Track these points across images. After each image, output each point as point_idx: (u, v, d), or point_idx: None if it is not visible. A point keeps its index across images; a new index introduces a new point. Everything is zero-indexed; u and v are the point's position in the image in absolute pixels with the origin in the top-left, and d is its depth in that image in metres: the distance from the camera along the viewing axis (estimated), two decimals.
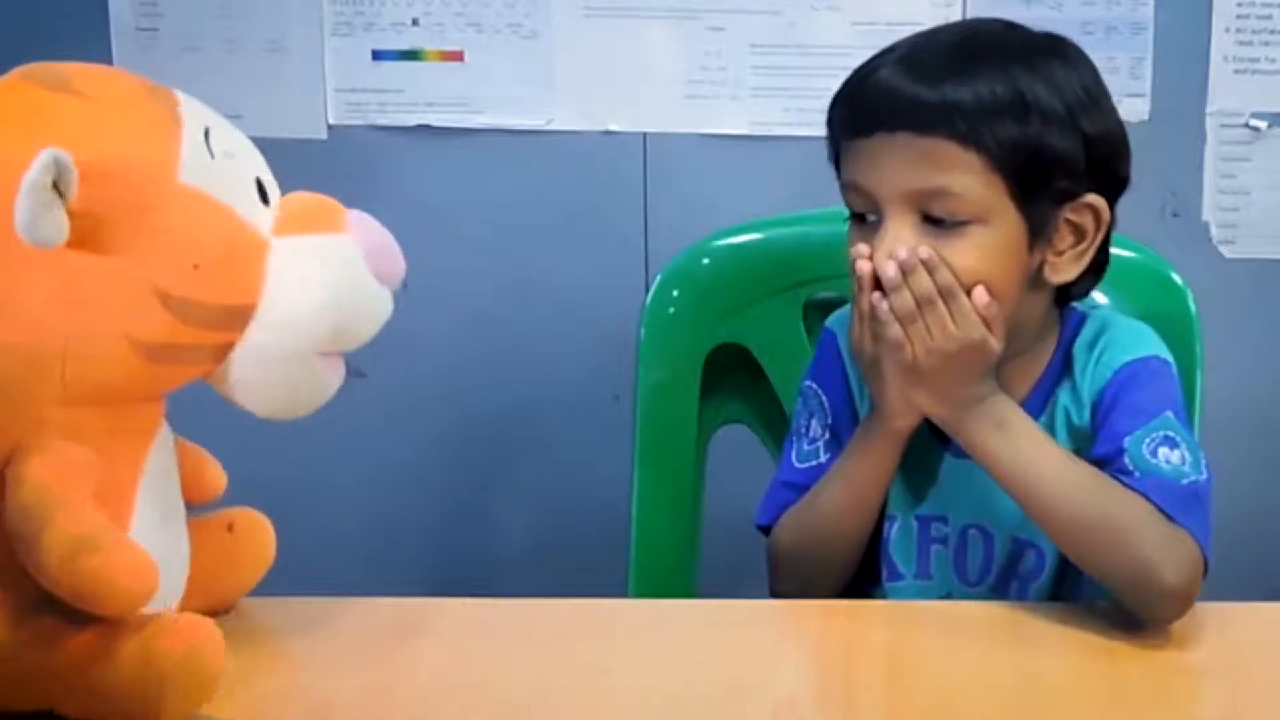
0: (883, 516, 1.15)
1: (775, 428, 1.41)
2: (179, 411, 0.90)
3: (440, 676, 0.89)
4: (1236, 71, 1.86)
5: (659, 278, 1.38)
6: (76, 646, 0.78)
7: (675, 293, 1.37)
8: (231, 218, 0.81)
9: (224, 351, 0.82)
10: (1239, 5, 1.85)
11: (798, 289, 1.41)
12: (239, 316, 0.81)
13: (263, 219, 0.83)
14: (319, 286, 0.82)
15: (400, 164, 1.88)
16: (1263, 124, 1.86)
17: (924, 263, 1.01)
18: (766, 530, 1.18)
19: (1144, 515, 0.99)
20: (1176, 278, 1.32)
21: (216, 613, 0.94)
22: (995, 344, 1.03)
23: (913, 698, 0.90)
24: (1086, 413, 1.08)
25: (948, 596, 1.13)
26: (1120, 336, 1.10)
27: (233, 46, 1.87)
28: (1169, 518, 0.98)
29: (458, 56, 1.87)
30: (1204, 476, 1.02)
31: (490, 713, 0.85)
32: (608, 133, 1.88)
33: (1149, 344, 1.10)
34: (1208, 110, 1.86)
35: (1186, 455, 1.02)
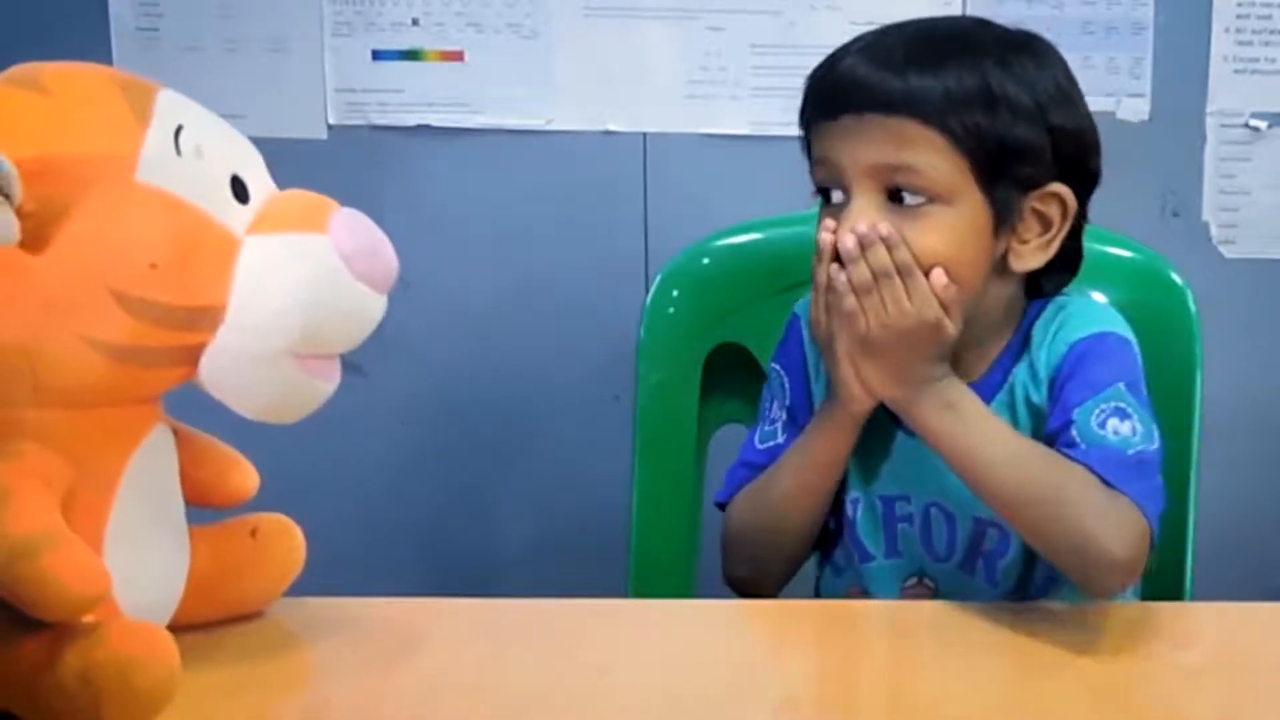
0: (840, 500, 1.16)
1: None
2: (179, 411, 0.90)
3: (440, 676, 0.89)
4: (1236, 71, 1.86)
5: (659, 278, 1.38)
6: (27, 651, 0.75)
7: (675, 293, 1.37)
8: (195, 216, 0.78)
9: (197, 353, 0.80)
10: (1239, 5, 1.85)
11: (798, 289, 1.40)
12: (207, 317, 0.79)
13: (237, 217, 0.80)
14: (287, 286, 0.79)
15: (400, 164, 1.88)
16: (1263, 124, 1.86)
17: (884, 239, 1.03)
18: (724, 508, 1.20)
19: (1085, 486, 0.99)
20: (1176, 278, 1.32)
21: (240, 619, 0.94)
22: (951, 327, 1.04)
23: (913, 698, 0.90)
24: (1044, 389, 1.09)
25: (920, 573, 1.14)
26: (1076, 314, 1.10)
27: (233, 46, 1.87)
28: (1112, 486, 0.99)
29: (458, 56, 1.87)
30: (1154, 445, 1.03)
31: (490, 713, 0.85)
32: (608, 133, 1.88)
33: (1105, 321, 1.10)
34: (1208, 110, 1.86)
35: (1138, 426, 1.02)
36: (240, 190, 0.81)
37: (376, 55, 1.87)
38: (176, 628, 0.88)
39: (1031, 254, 1.08)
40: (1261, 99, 1.86)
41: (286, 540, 0.96)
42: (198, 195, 0.79)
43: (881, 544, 1.15)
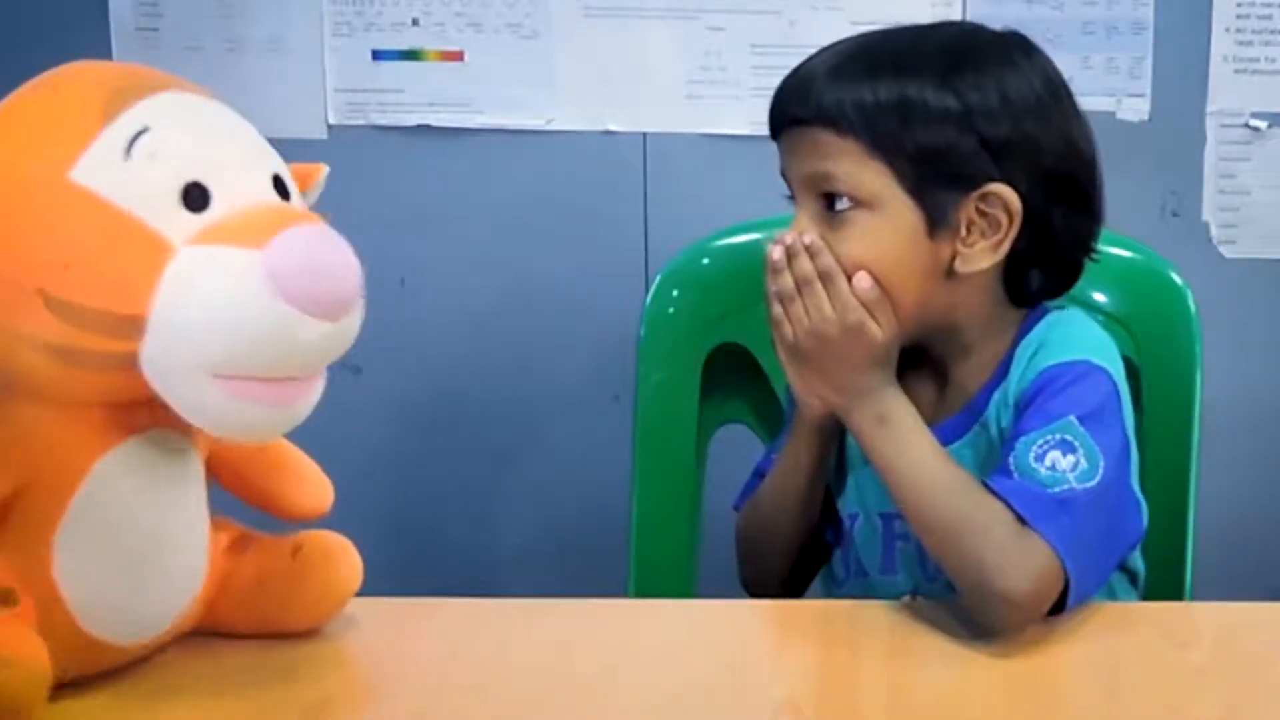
0: (836, 514, 1.19)
1: (775, 428, 1.41)
2: None
3: (440, 676, 0.89)
4: (1236, 71, 1.86)
5: (659, 278, 1.38)
6: None
7: (675, 293, 1.37)
8: (124, 221, 0.76)
9: (130, 362, 0.77)
10: (1239, 5, 1.85)
11: None
12: (130, 325, 0.76)
13: (179, 226, 0.77)
14: (202, 301, 0.75)
15: (400, 164, 1.88)
16: (1263, 124, 1.86)
17: (807, 248, 1.05)
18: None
19: (993, 520, 0.97)
20: (1176, 278, 1.32)
21: (271, 633, 0.93)
22: (876, 330, 1.05)
23: (913, 698, 0.90)
24: (1010, 414, 1.08)
25: (914, 591, 1.13)
26: (1059, 339, 1.09)
27: (233, 46, 1.87)
28: (1026, 524, 0.97)
29: (458, 56, 1.87)
30: (1091, 484, 0.99)
31: (490, 713, 0.85)
32: (608, 133, 1.88)
33: (1083, 349, 1.07)
34: (1208, 110, 1.86)
35: (1082, 462, 0.99)
36: (197, 197, 0.78)
37: (376, 55, 1.87)
38: (214, 632, 0.92)
39: (978, 256, 1.07)
40: (1261, 99, 1.86)
41: (333, 563, 0.94)
42: (133, 200, 0.76)
43: (879, 560, 1.16)
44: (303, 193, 0.88)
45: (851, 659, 0.97)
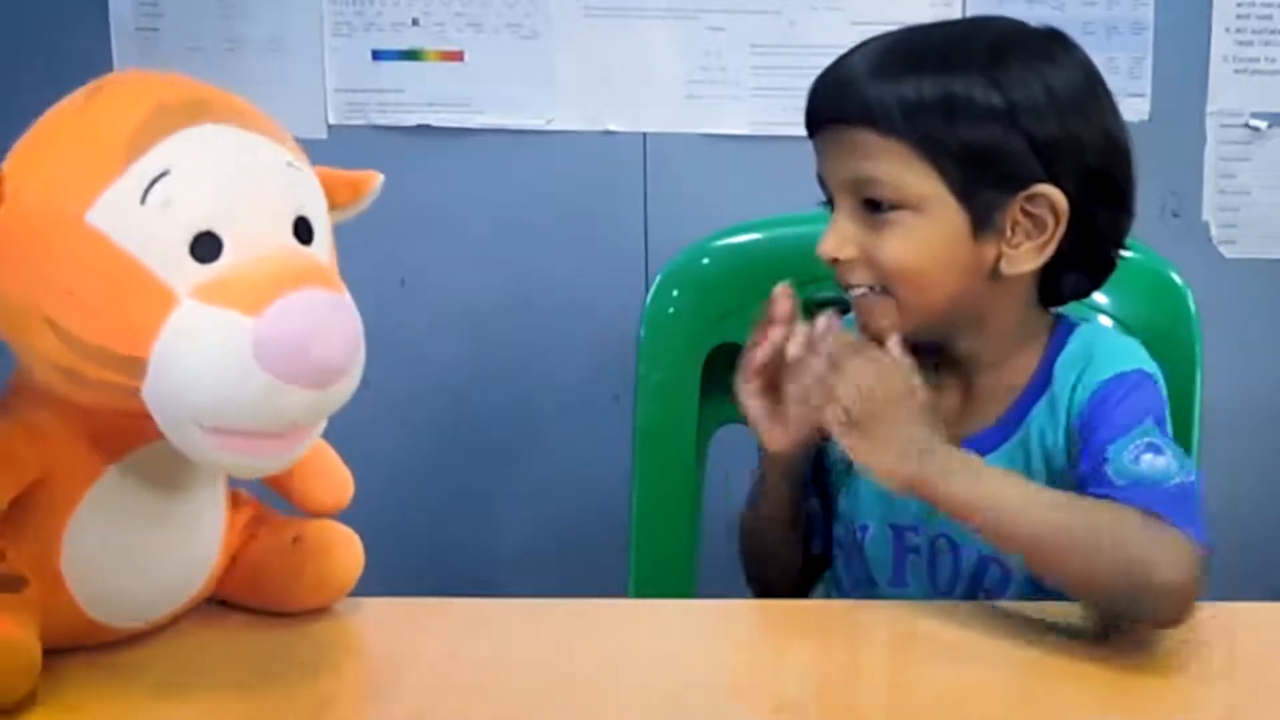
0: (826, 522, 1.20)
1: None
2: None
3: (440, 676, 0.89)
4: (1236, 71, 1.86)
5: (659, 278, 1.38)
6: None
7: (675, 293, 1.37)
8: (130, 266, 0.77)
9: (133, 393, 0.79)
10: (1239, 5, 1.85)
11: (798, 289, 1.41)
12: (131, 365, 0.78)
13: (186, 276, 0.78)
14: (190, 361, 0.77)
15: (400, 164, 1.88)
16: (1263, 124, 1.86)
17: (823, 331, 1.06)
18: None
19: (1128, 520, 0.96)
20: (1176, 278, 1.32)
21: (270, 610, 0.97)
22: (919, 385, 1.05)
23: (913, 698, 0.90)
24: (1061, 433, 1.07)
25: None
26: (1102, 354, 1.08)
27: (233, 46, 1.87)
28: (1161, 518, 0.96)
29: (458, 56, 1.87)
30: (1191, 478, 1.00)
31: (490, 713, 0.85)
32: (608, 133, 1.88)
33: (1131, 359, 1.07)
34: (1208, 110, 1.86)
35: (1172, 460, 1.00)
36: (207, 249, 0.79)
37: (376, 55, 1.87)
38: (222, 601, 0.97)
39: (1025, 257, 1.06)
40: (1261, 99, 1.87)
41: (330, 555, 0.97)
42: (142, 248, 0.78)
43: (889, 572, 1.15)
44: (351, 203, 0.90)
45: (851, 659, 0.97)
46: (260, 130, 0.84)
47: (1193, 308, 1.31)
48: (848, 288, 1.09)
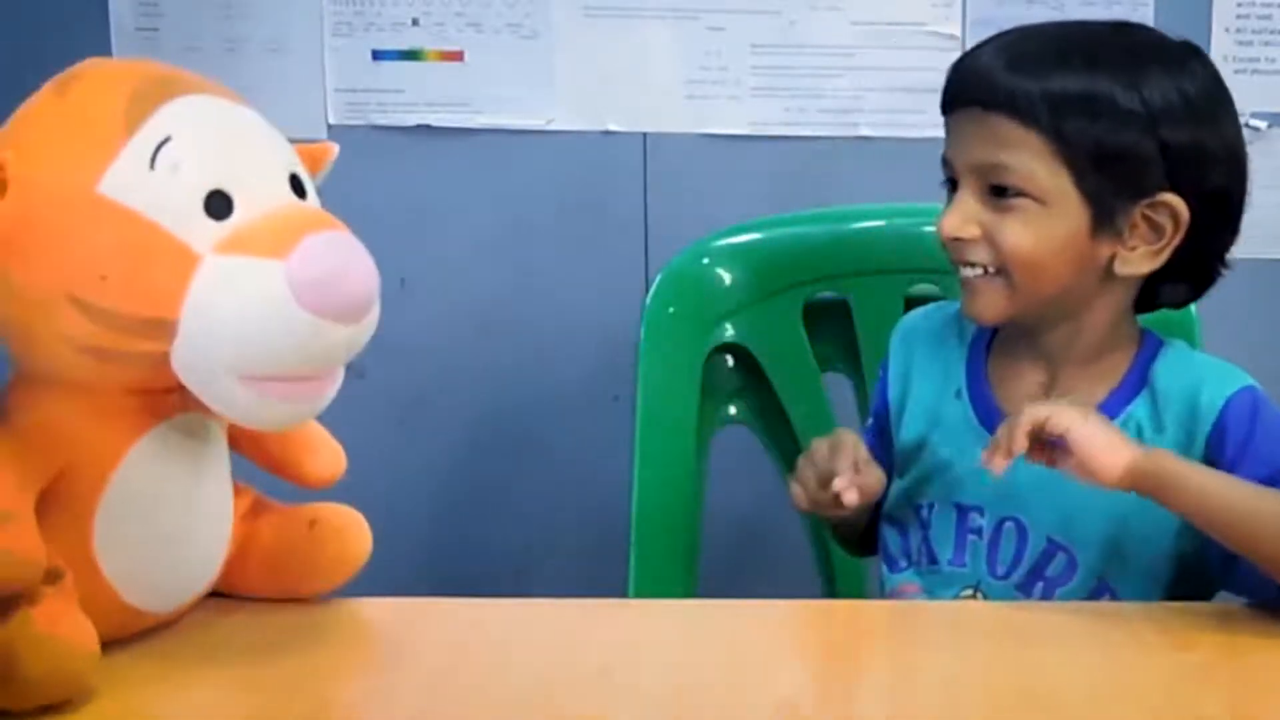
0: (878, 510, 1.20)
1: (775, 428, 1.41)
2: None
3: (440, 676, 0.89)
4: (1236, 71, 1.86)
5: (659, 278, 1.38)
6: None
7: (675, 293, 1.38)
8: (151, 231, 0.80)
9: (163, 360, 0.82)
10: (1239, 5, 1.85)
11: (798, 289, 1.41)
12: (161, 328, 0.80)
13: (204, 234, 0.80)
14: (229, 311, 0.80)
15: (400, 164, 1.88)
16: (1263, 124, 1.86)
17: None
18: None
19: None
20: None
21: (288, 598, 0.99)
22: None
23: (913, 698, 0.90)
24: (1166, 436, 1.09)
25: (976, 586, 1.13)
26: (1207, 366, 1.12)
27: (233, 46, 1.87)
28: None
29: (458, 56, 1.87)
30: None
31: (490, 713, 0.85)
32: (608, 133, 1.88)
33: (1240, 374, 1.12)
34: None
35: None
36: (220, 206, 0.81)
37: (376, 55, 1.87)
38: (229, 594, 0.98)
39: (1139, 261, 1.09)
40: (1261, 99, 1.86)
41: (347, 535, 0.99)
42: (159, 211, 0.80)
43: (950, 551, 1.15)
44: (313, 175, 0.92)
45: (851, 659, 0.97)
46: (230, 99, 0.88)
47: (1193, 308, 1.31)
48: (962, 265, 1.10)
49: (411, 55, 1.87)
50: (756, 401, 1.40)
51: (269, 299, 0.79)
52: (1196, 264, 1.13)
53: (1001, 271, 1.09)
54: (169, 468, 0.89)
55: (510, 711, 0.85)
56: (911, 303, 1.35)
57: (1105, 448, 1.01)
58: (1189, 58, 1.11)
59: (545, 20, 1.86)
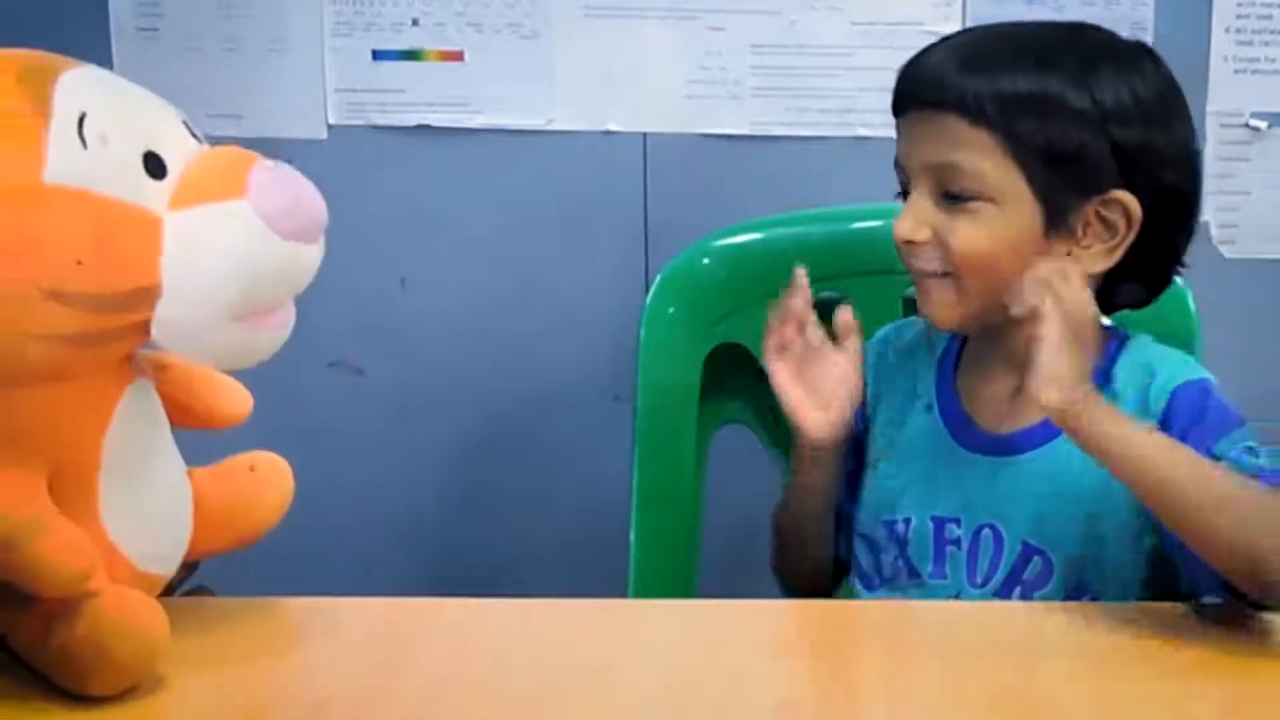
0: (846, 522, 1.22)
1: (775, 428, 1.41)
2: None
3: (440, 676, 0.89)
4: (1236, 71, 1.86)
5: (659, 278, 1.38)
6: (29, 621, 0.83)
7: (675, 293, 1.38)
8: (110, 206, 0.80)
9: (144, 326, 0.82)
10: (1239, 5, 1.85)
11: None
12: (143, 297, 0.81)
13: (154, 195, 0.81)
14: (215, 258, 0.81)
15: (400, 164, 1.88)
16: (1263, 124, 1.86)
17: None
18: None
19: (1268, 496, 0.96)
20: (1177, 278, 1.32)
21: (240, 546, 1.00)
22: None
23: (913, 698, 0.90)
24: None
25: (956, 597, 1.13)
26: (1171, 363, 1.11)
27: (233, 46, 1.87)
28: None
29: (458, 56, 1.87)
30: None
31: (490, 713, 0.85)
32: (608, 133, 1.88)
33: (1195, 367, 1.12)
34: (1207, 110, 1.86)
35: (1266, 461, 1.02)
36: (156, 166, 0.82)
37: (376, 55, 1.87)
38: (193, 559, 0.98)
39: (1093, 259, 1.08)
40: (1261, 99, 1.86)
41: (282, 474, 1.02)
42: (109, 184, 0.80)
43: (929, 565, 1.15)
44: None
45: (851, 659, 0.97)
46: (93, 65, 0.87)
47: (1193, 308, 1.31)
48: (914, 270, 1.11)
49: (411, 55, 1.87)
50: (756, 401, 1.40)
51: (246, 235, 0.81)
52: (1152, 263, 1.12)
53: (950, 274, 1.09)
54: (145, 427, 0.90)
55: (510, 711, 0.85)
56: (910, 303, 1.35)
57: (1052, 377, 0.98)
58: (1141, 58, 1.12)
59: (545, 20, 1.86)
